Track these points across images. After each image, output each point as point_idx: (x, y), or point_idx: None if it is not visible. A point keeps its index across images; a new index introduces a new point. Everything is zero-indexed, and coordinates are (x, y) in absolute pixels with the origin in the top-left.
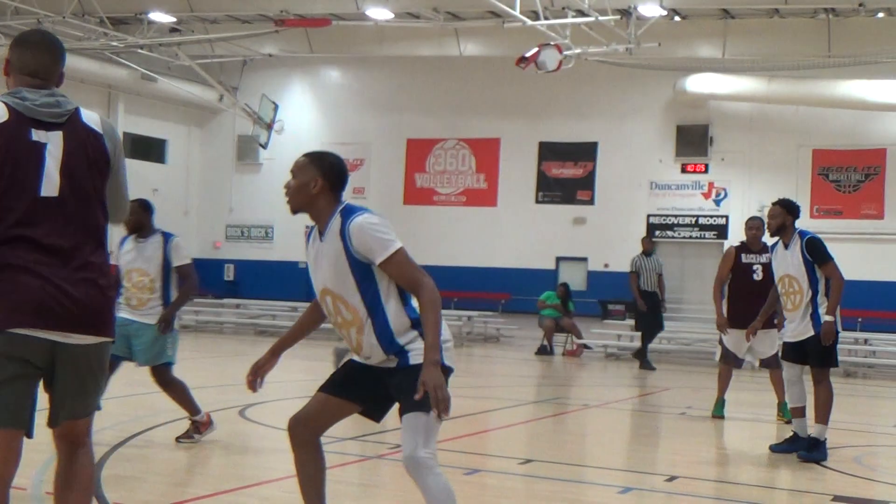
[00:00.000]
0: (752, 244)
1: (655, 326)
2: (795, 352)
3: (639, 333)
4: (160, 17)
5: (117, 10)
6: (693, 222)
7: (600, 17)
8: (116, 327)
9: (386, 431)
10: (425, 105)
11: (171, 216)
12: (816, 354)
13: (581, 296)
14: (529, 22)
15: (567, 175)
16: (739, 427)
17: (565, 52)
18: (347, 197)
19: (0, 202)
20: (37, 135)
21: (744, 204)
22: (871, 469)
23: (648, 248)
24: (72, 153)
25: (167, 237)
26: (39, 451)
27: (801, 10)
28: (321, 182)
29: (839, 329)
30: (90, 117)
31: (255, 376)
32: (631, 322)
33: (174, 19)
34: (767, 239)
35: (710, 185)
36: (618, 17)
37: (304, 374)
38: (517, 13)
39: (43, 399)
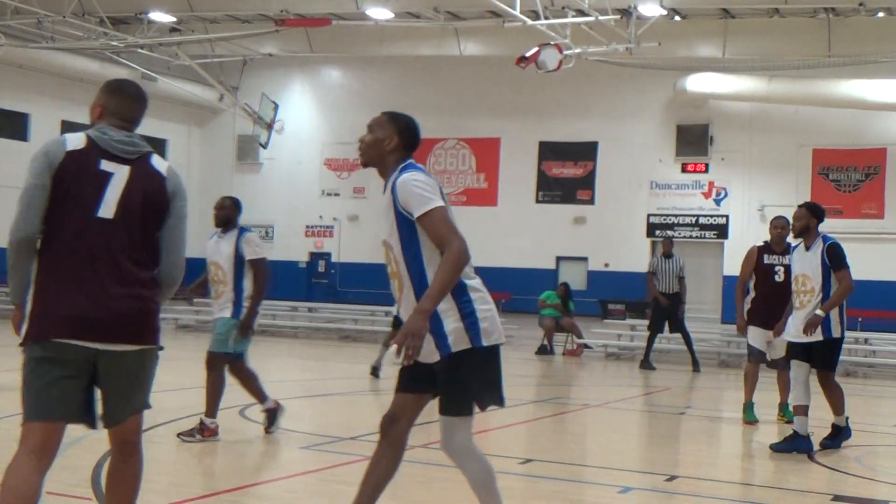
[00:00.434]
0: (775, 244)
1: (674, 329)
2: (801, 354)
3: (640, 334)
4: (160, 16)
5: (117, 9)
6: (693, 222)
7: (600, 17)
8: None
9: None
10: (425, 105)
11: None
12: (822, 357)
13: (581, 295)
14: (530, 21)
15: (567, 175)
16: (739, 427)
17: (565, 52)
18: (347, 196)
19: (60, 216)
20: (106, 165)
21: (744, 203)
22: (872, 469)
23: (668, 249)
24: (133, 186)
25: (242, 231)
26: None
27: (801, 10)
28: (396, 140)
29: (843, 334)
30: (159, 162)
31: None
32: (631, 322)
33: (174, 19)
34: (791, 239)
35: (711, 184)
36: (618, 16)
37: (304, 373)
38: (517, 13)
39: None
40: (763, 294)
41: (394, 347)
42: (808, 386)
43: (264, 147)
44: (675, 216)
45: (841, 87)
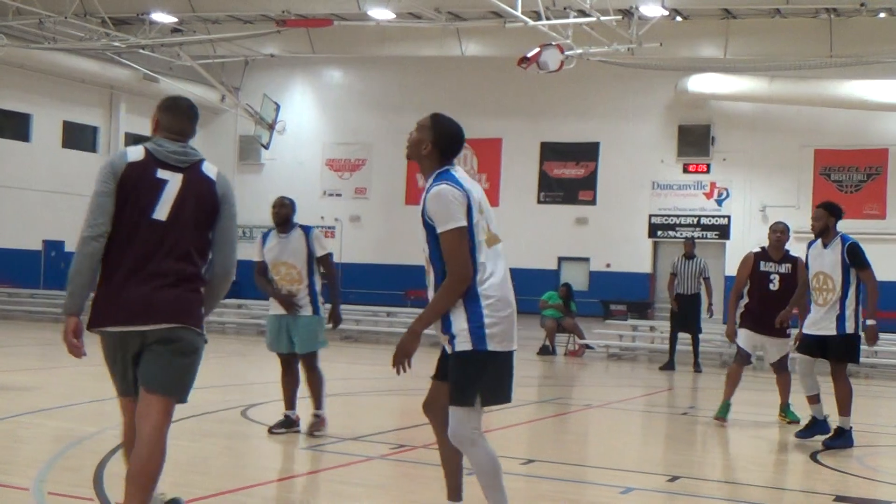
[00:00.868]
0: (773, 251)
1: (688, 329)
2: (814, 346)
3: (641, 335)
4: (162, 17)
5: (119, 10)
6: (695, 222)
7: (602, 18)
8: (275, 325)
9: (388, 432)
10: (427, 105)
11: None
12: (837, 350)
13: (583, 296)
14: (531, 22)
15: (569, 175)
16: (741, 427)
17: (567, 53)
18: (349, 197)
19: (122, 219)
20: (162, 174)
21: (745, 204)
22: (874, 469)
23: (689, 250)
24: (186, 191)
25: (307, 230)
26: (43, 451)
27: (802, 10)
28: (430, 146)
29: (857, 330)
30: (209, 168)
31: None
32: (632, 322)
33: (176, 20)
34: (790, 246)
35: (712, 185)
36: (619, 17)
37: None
38: (519, 13)
39: None
40: (757, 300)
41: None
42: (815, 376)
43: (266, 147)
44: (677, 217)
45: (842, 87)
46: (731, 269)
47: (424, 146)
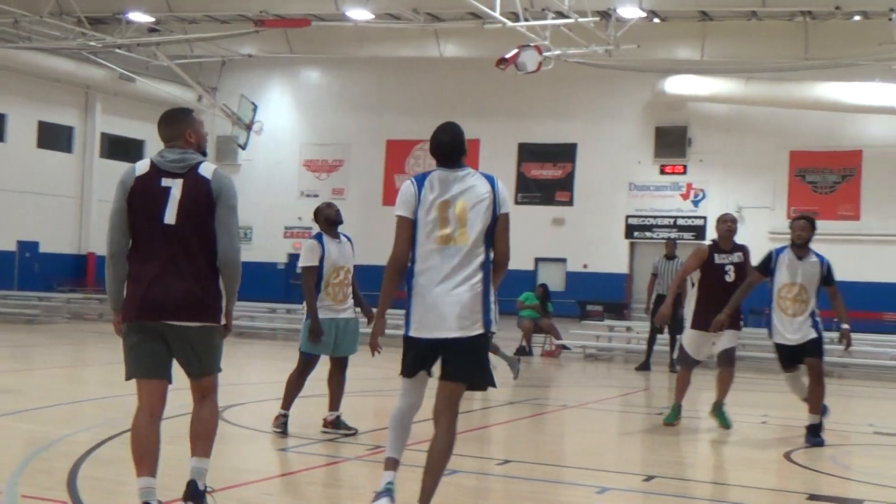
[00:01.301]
0: (724, 242)
1: (672, 329)
2: (795, 355)
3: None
4: (138, 16)
5: (95, 9)
6: (671, 223)
7: (580, 19)
8: (331, 328)
9: (364, 433)
10: (405, 106)
11: None
12: (817, 350)
13: (560, 296)
14: (509, 23)
15: (546, 176)
16: (716, 427)
17: (545, 54)
18: (326, 197)
19: (138, 227)
20: (165, 181)
21: (722, 205)
22: (847, 468)
23: (671, 251)
24: (186, 194)
25: (345, 234)
26: (16, 454)
27: (778, 13)
28: (431, 151)
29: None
30: (206, 168)
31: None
32: (609, 323)
33: (152, 19)
34: (739, 238)
35: (689, 186)
36: (597, 18)
37: (282, 375)
38: (497, 14)
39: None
40: (713, 294)
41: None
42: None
43: (243, 148)
44: (654, 217)
45: (817, 89)
46: None
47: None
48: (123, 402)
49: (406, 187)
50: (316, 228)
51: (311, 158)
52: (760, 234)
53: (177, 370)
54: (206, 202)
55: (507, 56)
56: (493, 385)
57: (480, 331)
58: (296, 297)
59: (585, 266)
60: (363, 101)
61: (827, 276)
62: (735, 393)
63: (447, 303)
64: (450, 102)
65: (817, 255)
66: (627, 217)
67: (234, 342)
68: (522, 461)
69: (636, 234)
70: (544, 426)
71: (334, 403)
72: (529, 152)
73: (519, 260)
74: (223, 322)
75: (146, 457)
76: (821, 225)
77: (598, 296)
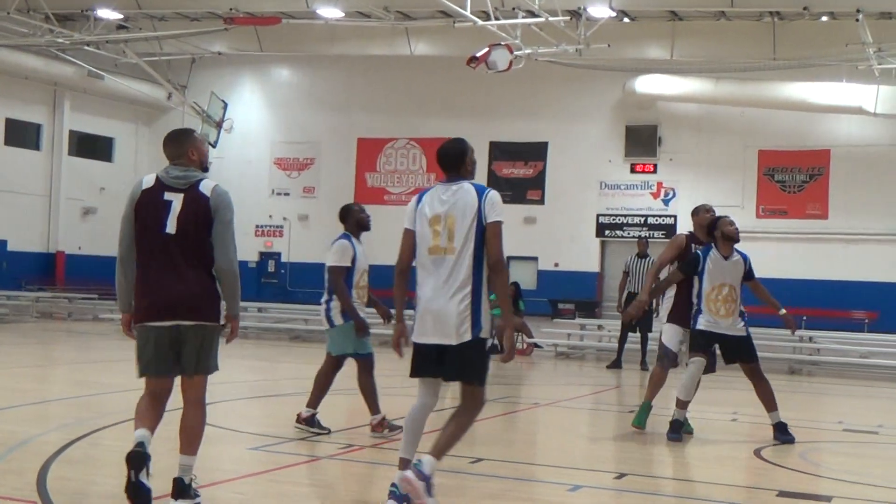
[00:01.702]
0: (702, 233)
1: (639, 328)
2: (722, 345)
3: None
4: (107, 13)
5: (63, 6)
6: (642, 222)
7: (550, 18)
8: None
9: (336, 432)
10: (376, 104)
11: (117, 216)
12: (752, 350)
13: (531, 295)
14: (480, 22)
15: (517, 175)
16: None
17: (516, 53)
18: (297, 196)
19: (142, 236)
20: (168, 195)
21: (692, 203)
22: (816, 465)
23: (643, 249)
24: (186, 208)
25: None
26: None
27: (746, 14)
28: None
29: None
30: (206, 185)
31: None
32: (580, 321)
33: (121, 16)
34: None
35: (659, 184)
36: (567, 17)
37: (254, 374)
38: (468, 13)
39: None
40: (690, 285)
41: None
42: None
43: (213, 146)
44: (625, 216)
45: (786, 89)
46: None
47: None
48: (93, 401)
49: (411, 202)
50: (325, 226)
51: (282, 156)
52: None
53: None
54: (203, 216)
55: (478, 55)
56: (481, 384)
57: (470, 337)
58: (266, 296)
59: (557, 264)
60: (334, 100)
61: (748, 272)
62: (705, 391)
63: (440, 311)
64: (421, 101)
65: (739, 252)
66: (598, 216)
67: None
68: (495, 459)
69: (607, 232)
70: (516, 424)
71: (315, 401)
72: (500, 151)
73: None
74: (223, 322)
75: (146, 415)
76: (789, 224)
77: (570, 294)
